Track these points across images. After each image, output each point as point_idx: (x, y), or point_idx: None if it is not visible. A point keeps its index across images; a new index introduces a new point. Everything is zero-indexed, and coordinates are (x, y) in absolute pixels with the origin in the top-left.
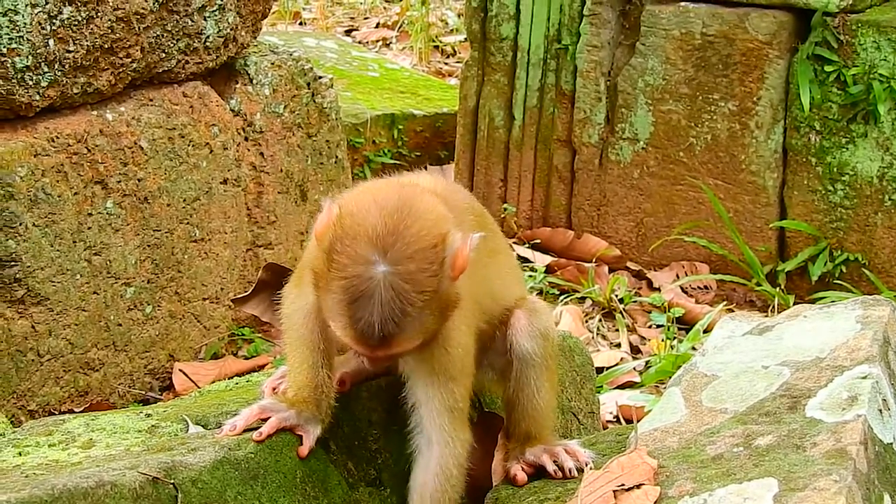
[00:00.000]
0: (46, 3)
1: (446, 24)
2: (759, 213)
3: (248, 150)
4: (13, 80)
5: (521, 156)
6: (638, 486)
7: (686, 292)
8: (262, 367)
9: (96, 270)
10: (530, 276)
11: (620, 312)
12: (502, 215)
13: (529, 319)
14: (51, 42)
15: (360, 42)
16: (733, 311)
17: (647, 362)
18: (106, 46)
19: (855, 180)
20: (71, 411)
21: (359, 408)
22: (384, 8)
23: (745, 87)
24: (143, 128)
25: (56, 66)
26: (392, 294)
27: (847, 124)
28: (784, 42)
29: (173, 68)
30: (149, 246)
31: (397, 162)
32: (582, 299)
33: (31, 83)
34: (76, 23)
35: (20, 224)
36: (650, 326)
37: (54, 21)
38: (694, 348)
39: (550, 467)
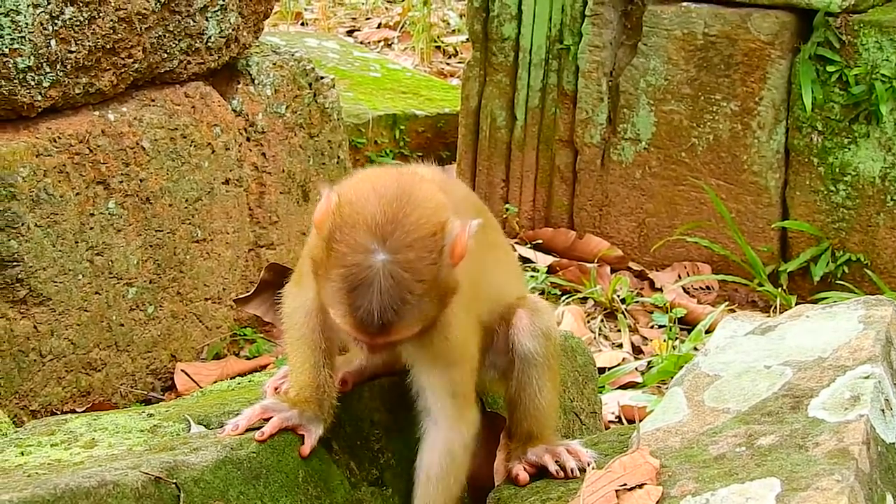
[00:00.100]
0: (48, 4)
1: (448, 24)
2: (761, 214)
3: (250, 150)
4: (15, 81)
5: (523, 156)
6: (640, 486)
7: (688, 293)
8: (263, 368)
9: (98, 271)
10: (532, 276)
11: (622, 313)
12: (504, 216)
13: (531, 319)
14: (53, 42)
15: (361, 42)
16: (735, 311)
17: (648, 363)
18: (108, 47)
19: (857, 181)
20: (73, 411)
21: (361, 408)
22: (386, 8)
23: (747, 88)
24: (145, 128)
25: (58, 67)
26: (391, 282)
27: (849, 124)
28: (786, 42)
29: (175, 69)
30: (151, 246)
31: (399, 163)
32: (584, 300)
33: (33, 83)
34: (78, 23)
35: (22, 224)
36: (652, 327)
37: (56, 21)
38: (696, 349)
39: (552, 467)
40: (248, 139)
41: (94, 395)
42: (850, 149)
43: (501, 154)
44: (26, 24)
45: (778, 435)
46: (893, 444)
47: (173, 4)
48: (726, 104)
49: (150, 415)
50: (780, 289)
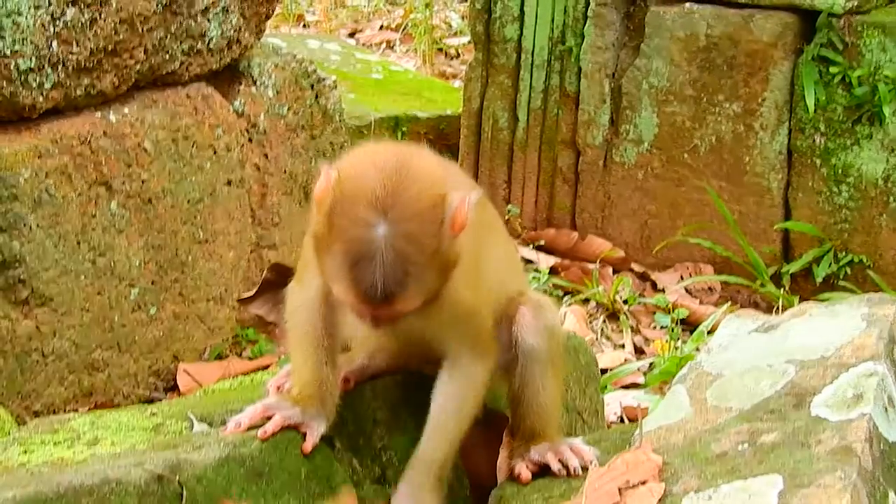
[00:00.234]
0: (50, 5)
1: (450, 26)
2: (763, 215)
3: (252, 151)
4: (17, 82)
5: (525, 157)
6: (643, 483)
7: (690, 294)
8: (266, 368)
9: (100, 272)
10: (534, 277)
11: (624, 314)
12: (506, 217)
13: (535, 315)
14: (54, 44)
15: (363, 44)
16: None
17: (651, 363)
18: (109, 48)
19: (860, 182)
20: (76, 412)
21: (363, 406)
22: (388, 10)
23: (750, 89)
24: (147, 129)
25: (59, 68)
26: (393, 255)
27: (852, 126)
28: (789, 43)
29: (177, 70)
30: (153, 247)
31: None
32: (586, 300)
33: (34, 85)
34: (79, 25)
35: (24, 225)
36: (654, 328)
37: (57, 23)
38: (698, 349)
39: (555, 466)
40: (249, 140)
41: (96, 396)
42: (852, 150)
43: (503, 155)
44: (28, 25)
45: (781, 433)
46: None
47: (175, 6)
48: (729, 105)
49: (153, 413)
50: (782, 290)
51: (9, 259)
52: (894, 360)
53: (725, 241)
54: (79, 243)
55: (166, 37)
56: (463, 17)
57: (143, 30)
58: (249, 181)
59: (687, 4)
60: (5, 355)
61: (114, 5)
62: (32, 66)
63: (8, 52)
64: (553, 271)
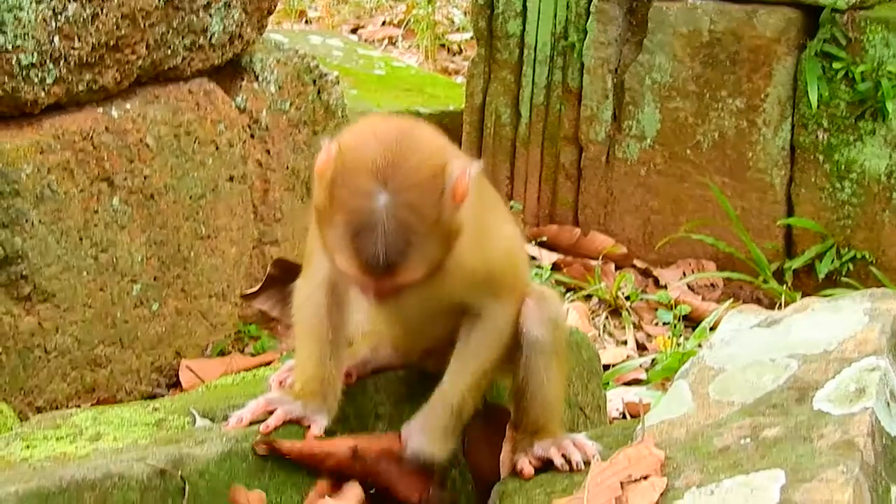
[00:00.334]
0: (51, 0)
1: (452, 21)
2: (766, 211)
3: (255, 147)
4: (18, 78)
5: (528, 153)
6: (645, 478)
7: (693, 290)
8: (268, 364)
9: (102, 268)
10: (536, 273)
11: (627, 310)
12: None
13: (539, 306)
14: (56, 39)
15: (365, 40)
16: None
17: (653, 359)
18: (111, 44)
19: (863, 178)
20: (78, 408)
21: (366, 401)
22: (390, 6)
23: (753, 85)
24: (149, 125)
25: (61, 64)
26: (395, 224)
27: (855, 121)
28: (792, 39)
29: (179, 65)
30: (155, 243)
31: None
32: (588, 297)
33: (36, 80)
34: (81, 20)
35: (26, 221)
36: (656, 324)
37: (59, 18)
38: (700, 345)
39: (558, 461)
40: (252, 136)
41: (98, 392)
42: (855, 146)
43: (506, 151)
44: (29, 20)
45: (783, 427)
46: None
47: (177, 1)
48: (732, 101)
49: (155, 408)
50: (784, 286)
51: (11, 255)
52: None
53: (728, 238)
54: (81, 239)
55: (168, 32)
56: (465, 13)
57: (144, 25)
58: (251, 177)
59: (690, 0)
60: (8, 351)
61: (115, 0)
62: (34, 61)
63: (9, 48)
64: (555, 268)
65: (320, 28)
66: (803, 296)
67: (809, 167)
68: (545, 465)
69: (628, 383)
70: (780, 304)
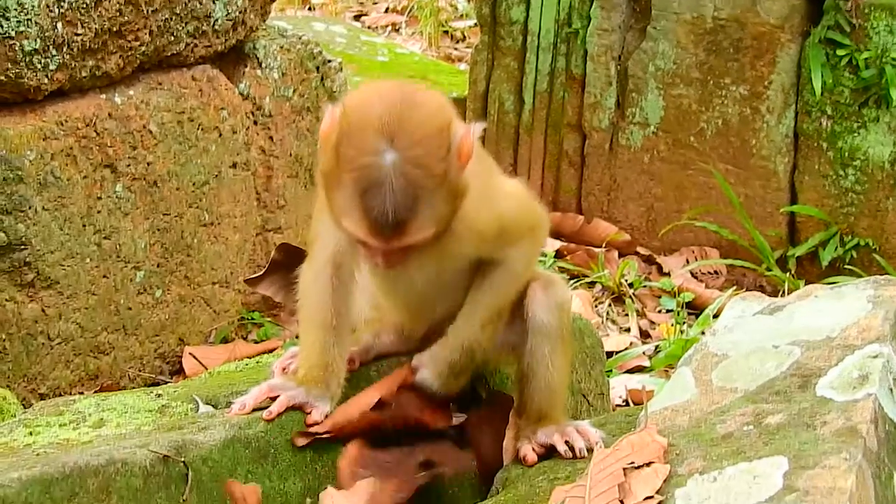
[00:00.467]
0: None
1: (456, 8)
2: (769, 198)
3: (258, 133)
4: (21, 64)
5: (532, 140)
6: (648, 465)
7: (696, 277)
8: (271, 351)
9: (106, 254)
10: (540, 260)
11: (630, 297)
12: None
13: (545, 291)
14: (59, 25)
15: (369, 27)
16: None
17: (656, 347)
18: (114, 30)
19: (866, 165)
20: (81, 394)
21: (368, 387)
22: None
23: (757, 72)
24: (152, 111)
25: (64, 50)
26: (403, 180)
27: (859, 109)
28: (796, 26)
29: (182, 52)
30: (158, 230)
31: None
32: (592, 284)
33: (39, 66)
34: (84, 6)
35: (30, 208)
36: (660, 311)
37: (62, 4)
38: (703, 332)
39: (561, 447)
40: (255, 123)
41: (102, 379)
42: (859, 133)
43: (509, 138)
44: (32, 6)
45: (786, 414)
46: None
47: None
48: (735, 88)
49: (159, 395)
50: (788, 273)
51: (14, 241)
52: None
53: (731, 225)
54: (84, 226)
55: (171, 18)
56: (469, 0)
57: (147, 11)
58: (255, 164)
59: None
60: (11, 338)
61: None
62: (37, 47)
63: (13, 34)
64: (559, 255)
65: (324, 14)
66: (806, 283)
67: (813, 154)
68: (548, 452)
69: (631, 370)
70: (784, 292)
